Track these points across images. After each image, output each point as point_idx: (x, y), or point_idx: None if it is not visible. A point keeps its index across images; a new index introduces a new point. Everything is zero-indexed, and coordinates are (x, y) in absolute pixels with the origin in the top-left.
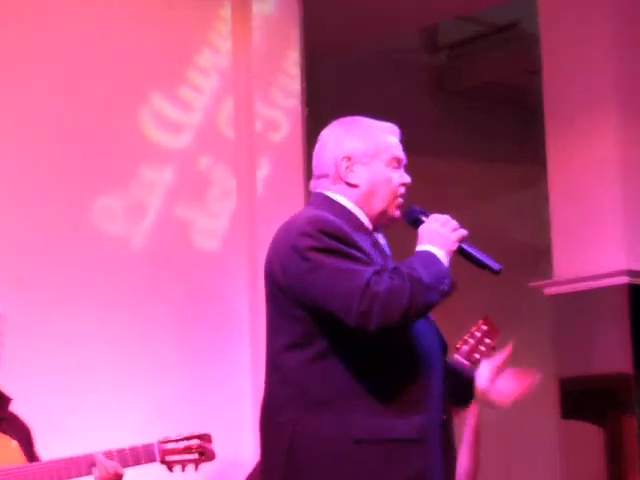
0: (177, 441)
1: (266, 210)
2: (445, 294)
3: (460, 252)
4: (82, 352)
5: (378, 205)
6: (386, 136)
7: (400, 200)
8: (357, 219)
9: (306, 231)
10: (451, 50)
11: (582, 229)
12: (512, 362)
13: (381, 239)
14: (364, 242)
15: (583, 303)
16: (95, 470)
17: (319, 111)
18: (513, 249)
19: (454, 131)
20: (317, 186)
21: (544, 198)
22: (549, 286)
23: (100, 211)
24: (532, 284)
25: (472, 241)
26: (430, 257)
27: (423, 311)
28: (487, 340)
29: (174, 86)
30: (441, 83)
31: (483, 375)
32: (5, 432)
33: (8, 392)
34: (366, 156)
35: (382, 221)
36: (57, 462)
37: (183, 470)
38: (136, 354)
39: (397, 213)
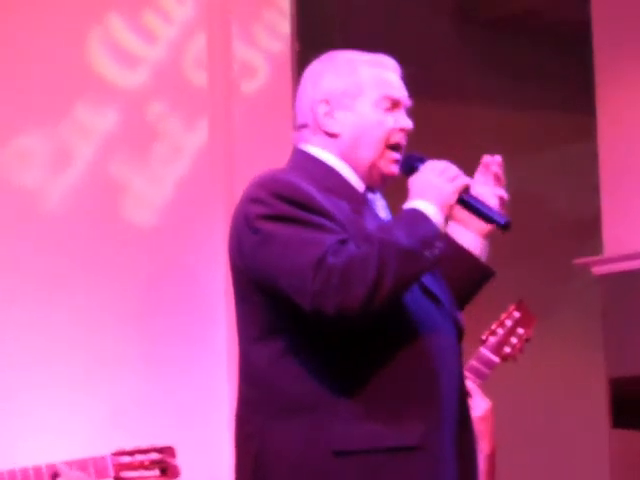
0: (133, 454)
1: (245, 175)
2: (435, 260)
3: (461, 205)
4: (19, 347)
5: (365, 157)
6: (374, 70)
7: (395, 153)
8: (340, 178)
9: (257, 196)
10: None
11: (637, 197)
12: (554, 355)
13: (379, 200)
14: (339, 205)
15: (638, 284)
16: None
17: (318, 50)
18: (555, 218)
19: (483, 71)
20: (298, 139)
21: (593, 156)
22: (598, 264)
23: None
24: (578, 261)
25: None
26: (415, 215)
27: (403, 283)
28: (520, 330)
29: (137, 9)
30: (467, 12)
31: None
32: None
33: None
34: (347, 96)
35: (375, 177)
36: (10, 472)
37: None
38: (86, 348)
39: (392, 168)
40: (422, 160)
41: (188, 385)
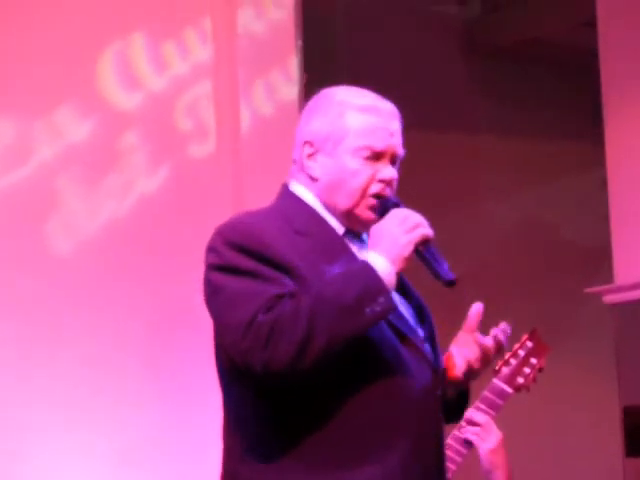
0: None
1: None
2: (376, 316)
3: (418, 257)
4: (24, 382)
5: (341, 204)
6: (363, 117)
7: (371, 199)
8: (318, 220)
9: (213, 244)
10: (485, 0)
11: None
12: (567, 385)
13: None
14: (306, 249)
15: None
16: None
17: (326, 76)
18: (565, 247)
19: (488, 100)
20: (289, 173)
21: (602, 185)
22: (609, 292)
23: None
24: (589, 290)
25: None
26: (363, 268)
27: (338, 341)
28: (533, 360)
29: (160, 37)
30: (473, 40)
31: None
32: None
33: None
34: (330, 141)
35: (353, 222)
36: None
37: None
38: (93, 383)
39: (368, 214)
40: (397, 205)
41: (197, 422)
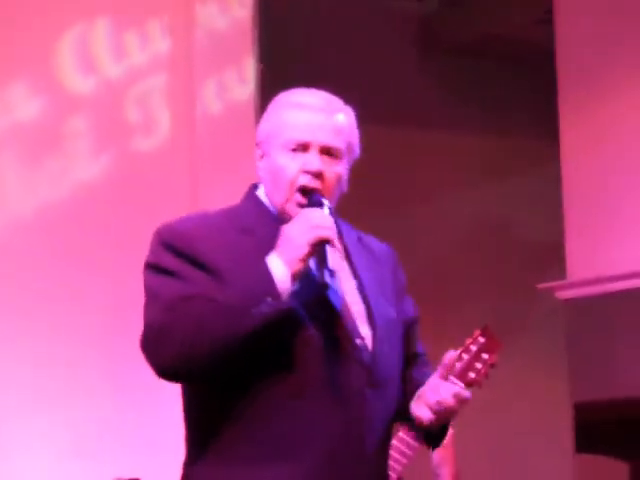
0: None
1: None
2: (264, 318)
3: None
4: None
5: (277, 201)
6: (288, 112)
7: (299, 196)
8: (268, 218)
9: (150, 244)
10: None
11: (601, 220)
12: (519, 380)
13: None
14: (244, 248)
15: (602, 308)
16: None
17: (284, 69)
18: (519, 243)
19: (446, 97)
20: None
21: (556, 181)
22: (562, 288)
23: None
24: (542, 286)
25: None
26: (259, 269)
27: (226, 342)
28: (485, 355)
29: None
30: (430, 36)
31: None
32: None
33: None
34: (267, 142)
35: (289, 220)
36: None
37: None
38: (49, 372)
39: (297, 211)
40: (320, 204)
41: (154, 413)
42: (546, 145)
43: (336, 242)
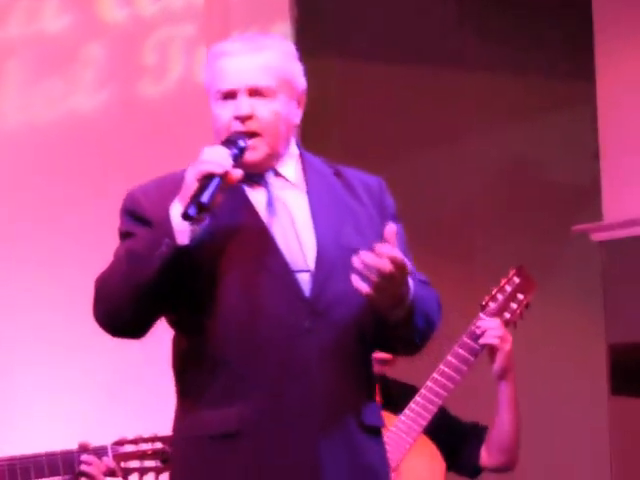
0: (136, 442)
1: None
2: (164, 257)
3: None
4: (9, 319)
5: None
6: (214, 63)
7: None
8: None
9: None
10: None
11: (637, 163)
12: (554, 324)
13: (275, 181)
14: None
15: (638, 251)
16: (84, 466)
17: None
18: (553, 185)
19: (477, 35)
20: None
21: (593, 122)
22: (597, 230)
23: None
24: (577, 227)
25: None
26: (162, 216)
27: (139, 289)
28: (520, 296)
29: None
30: None
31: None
32: None
33: None
34: (208, 96)
35: (237, 167)
36: (35, 457)
37: (140, 479)
38: (60, 341)
39: (246, 156)
40: (231, 143)
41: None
42: (582, 86)
43: (232, 174)
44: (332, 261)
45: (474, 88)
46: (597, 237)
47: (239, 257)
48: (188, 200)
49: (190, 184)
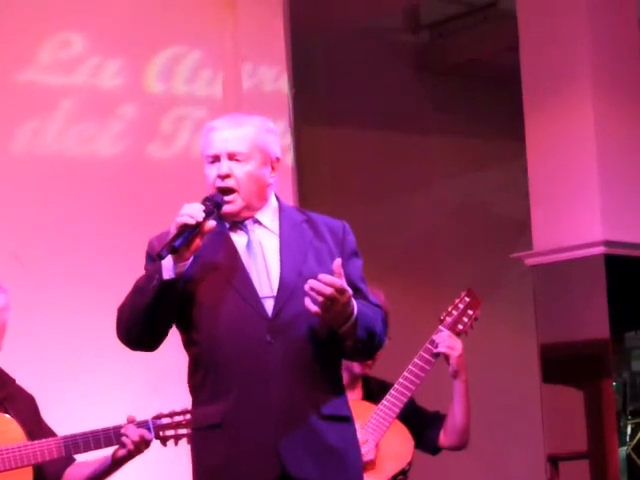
0: (171, 416)
1: None
2: (155, 288)
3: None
4: (80, 326)
5: None
6: (205, 135)
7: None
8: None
9: None
10: (433, 29)
11: (560, 202)
12: (496, 331)
13: (255, 228)
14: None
15: (563, 272)
16: (125, 439)
17: (306, 84)
18: (495, 222)
19: (437, 109)
20: None
21: (524, 172)
22: (530, 257)
23: None
24: (514, 255)
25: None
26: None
27: (140, 314)
28: (470, 311)
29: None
30: (424, 61)
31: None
32: (7, 412)
33: (8, 369)
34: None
35: (226, 218)
36: (84, 434)
37: (176, 444)
38: (114, 343)
39: (224, 208)
40: (208, 200)
41: None
42: (517, 144)
43: (205, 224)
44: (292, 287)
45: (433, 148)
46: (530, 262)
47: (219, 286)
48: (164, 244)
49: (171, 232)
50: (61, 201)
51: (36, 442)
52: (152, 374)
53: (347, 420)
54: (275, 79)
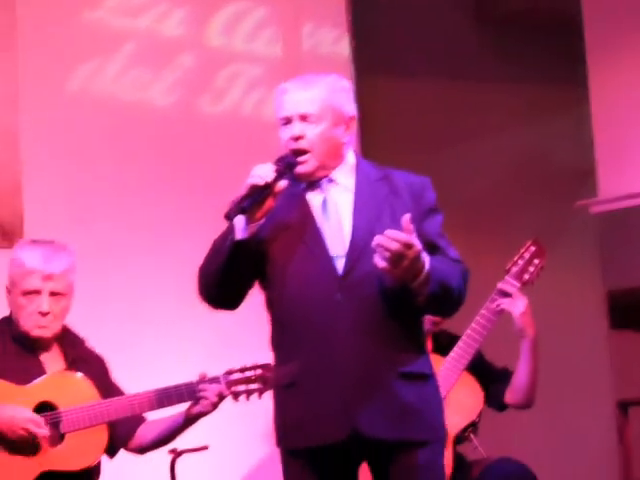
0: (242, 371)
1: None
2: (229, 246)
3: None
4: (144, 284)
5: None
6: (277, 98)
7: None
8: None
9: None
10: None
11: (626, 148)
12: (561, 280)
13: (331, 188)
14: (279, 207)
15: (628, 219)
16: (204, 394)
17: (367, 36)
18: (558, 171)
19: (497, 57)
20: None
21: (586, 119)
22: (595, 205)
23: None
24: (579, 203)
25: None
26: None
27: (215, 274)
28: (536, 261)
29: None
30: (484, 10)
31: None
32: (78, 370)
33: (78, 330)
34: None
35: (301, 179)
36: (165, 390)
37: (247, 399)
38: (179, 311)
39: (297, 169)
40: (281, 161)
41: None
42: (577, 91)
43: (276, 185)
44: (363, 246)
45: (493, 97)
46: (595, 210)
47: (292, 246)
48: (233, 205)
49: (241, 192)
50: (109, 143)
51: (112, 399)
52: (223, 331)
53: (426, 378)
54: (335, 41)
